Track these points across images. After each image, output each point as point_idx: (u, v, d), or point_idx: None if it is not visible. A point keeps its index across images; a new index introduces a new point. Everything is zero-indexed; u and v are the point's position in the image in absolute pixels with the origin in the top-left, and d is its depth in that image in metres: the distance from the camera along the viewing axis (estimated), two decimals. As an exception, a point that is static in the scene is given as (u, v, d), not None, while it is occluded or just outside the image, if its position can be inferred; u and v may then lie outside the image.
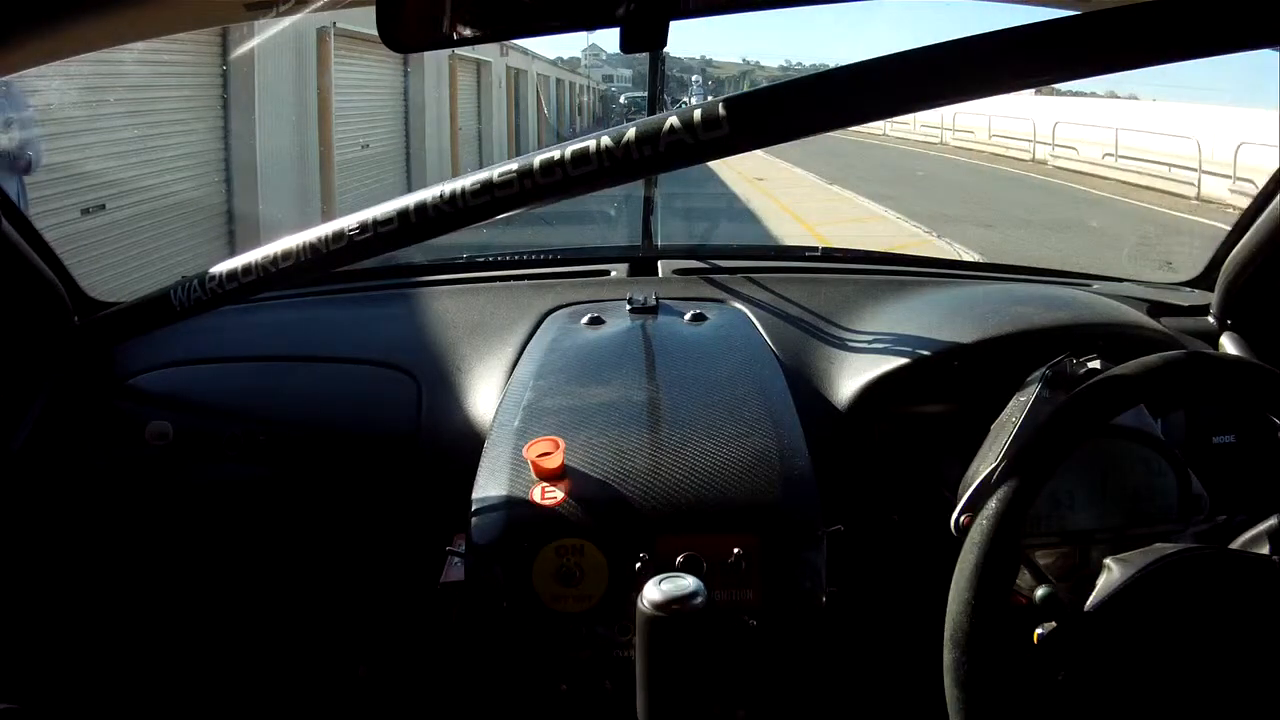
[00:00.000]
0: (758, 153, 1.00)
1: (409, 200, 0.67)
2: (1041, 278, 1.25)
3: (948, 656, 0.60)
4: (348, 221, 0.70)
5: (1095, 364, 0.77)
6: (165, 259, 4.93)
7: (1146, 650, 0.61)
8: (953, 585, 0.61)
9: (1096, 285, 1.21)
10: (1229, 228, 1.10)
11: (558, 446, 0.73)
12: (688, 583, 0.62)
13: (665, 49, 0.66)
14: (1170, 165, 10.22)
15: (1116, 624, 0.61)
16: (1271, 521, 0.66)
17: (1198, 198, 9.44)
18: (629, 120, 0.64)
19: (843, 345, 0.98)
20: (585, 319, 1.00)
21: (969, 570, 0.61)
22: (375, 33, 0.57)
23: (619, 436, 0.77)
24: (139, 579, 0.98)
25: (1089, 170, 11.66)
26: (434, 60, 9.04)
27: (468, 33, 0.58)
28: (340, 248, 0.70)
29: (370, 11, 0.58)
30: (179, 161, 5.29)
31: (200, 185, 5.48)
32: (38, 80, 3.73)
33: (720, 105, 0.60)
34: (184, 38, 4.96)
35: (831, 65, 0.63)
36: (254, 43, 5.40)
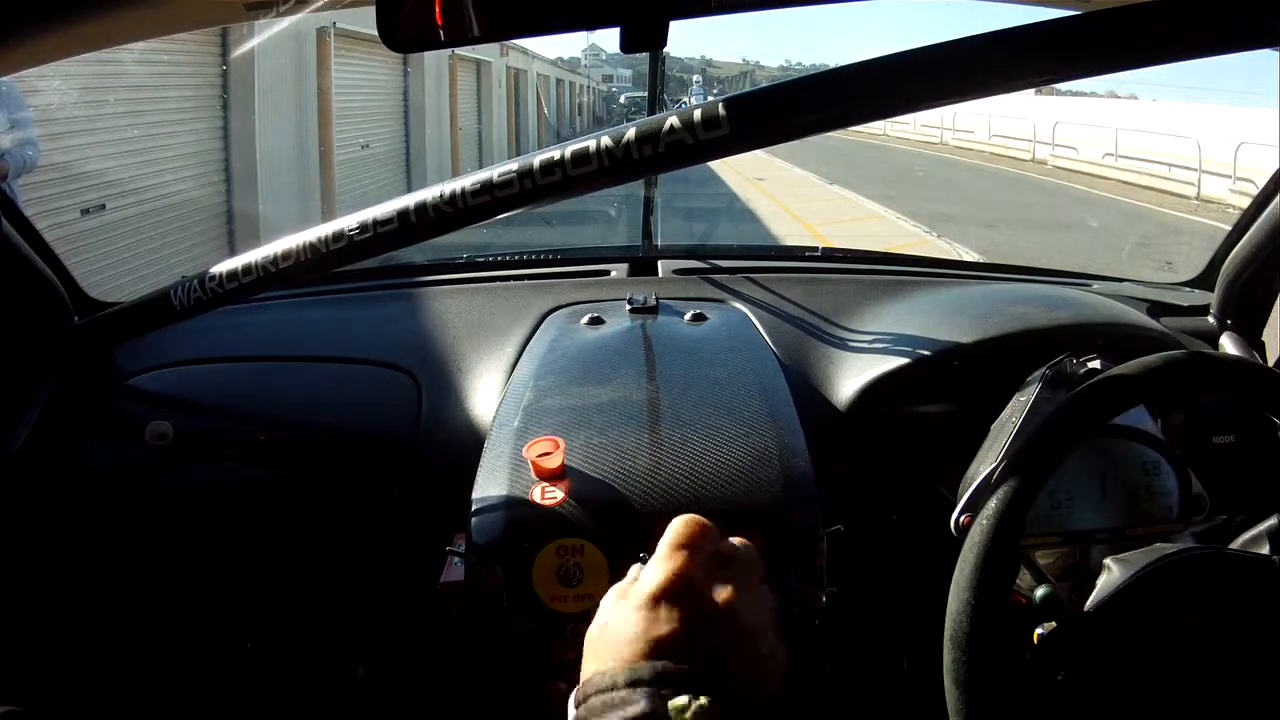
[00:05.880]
0: (758, 153, 1.00)
1: (409, 200, 0.67)
2: (1041, 278, 1.25)
3: (948, 656, 0.60)
4: (348, 221, 0.70)
5: (1095, 364, 0.77)
6: (165, 259, 4.94)
7: (1146, 650, 0.61)
8: (953, 585, 0.61)
9: (1096, 285, 1.21)
10: (1229, 228, 1.10)
11: (558, 446, 0.73)
12: (688, 583, 0.62)
13: (665, 49, 0.66)
14: (1170, 165, 10.23)
15: (1116, 624, 0.61)
16: (1271, 521, 0.66)
17: (1198, 198, 9.45)
18: (629, 120, 0.64)
19: (843, 345, 0.98)
20: (585, 319, 1.00)
21: (969, 570, 0.61)
22: (375, 33, 0.57)
23: (619, 436, 0.77)
24: (139, 579, 0.98)
25: (1089, 170, 11.68)
26: (434, 60, 9.05)
27: (468, 33, 0.58)
28: (340, 248, 0.70)
29: (370, 11, 0.58)
30: (179, 161, 5.30)
31: (200, 185, 5.49)
32: (38, 80, 3.73)
33: (720, 105, 0.59)
34: (184, 38, 4.96)
35: (831, 65, 0.63)
36: (254, 43, 5.40)
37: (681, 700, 0.40)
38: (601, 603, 0.48)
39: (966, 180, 12.00)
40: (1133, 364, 0.66)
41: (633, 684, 0.41)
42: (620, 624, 0.45)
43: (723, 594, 0.45)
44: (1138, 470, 0.75)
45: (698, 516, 0.49)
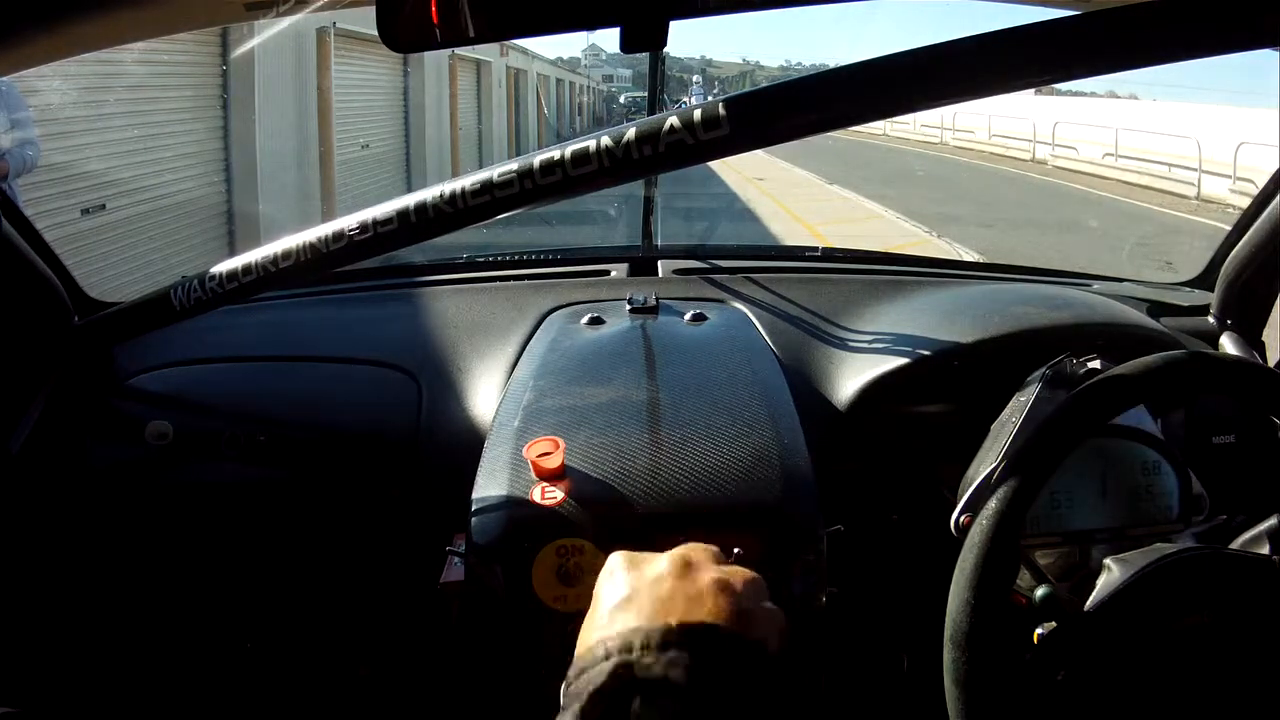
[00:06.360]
0: (758, 153, 1.00)
1: (409, 200, 0.67)
2: (1041, 278, 1.25)
3: (948, 656, 0.60)
4: (348, 221, 0.70)
5: (1095, 364, 0.77)
6: (165, 259, 4.94)
7: (1146, 650, 0.61)
8: (953, 585, 0.61)
9: (1096, 285, 1.21)
10: (1229, 228, 1.10)
11: (558, 446, 0.73)
12: (688, 583, 0.62)
13: (665, 49, 0.66)
14: (1170, 165, 10.23)
15: (1116, 624, 0.61)
16: (1271, 521, 0.66)
17: (1198, 198, 9.45)
18: (629, 120, 0.64)
19: (843, 345, 0.98)
20: (585, 319, 1.00)
21: (969, 570, 0.61)
22: (375, 33, 0.57)
23: (619, 436, 0.77)
24: (139, 579, 0.98)
25: (1089, 170, 11.68)
26: (434, 60, 9.06)
27: (467, 33, 0.58)
28: (340, 248, 0.70)
29: (370, 11, 0.58)
30: (179, 161, 5.30)
31: (200, 185, 5.49)
32: (38, 80, 3.74)
33: (720, 105, 0.59)
34: (184, 38, 4.96)
35: (831, 65, 0.63)
36: (254, 43, 5.40)
37: (640, 657, 0.42)
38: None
39: (966, 180, 12.00)
40: (1133, 364, 0.66)
41: (606, 656, 0.43)
42: (599, 601, 0.49)
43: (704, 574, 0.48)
44: (1138, 470, 0.75)
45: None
